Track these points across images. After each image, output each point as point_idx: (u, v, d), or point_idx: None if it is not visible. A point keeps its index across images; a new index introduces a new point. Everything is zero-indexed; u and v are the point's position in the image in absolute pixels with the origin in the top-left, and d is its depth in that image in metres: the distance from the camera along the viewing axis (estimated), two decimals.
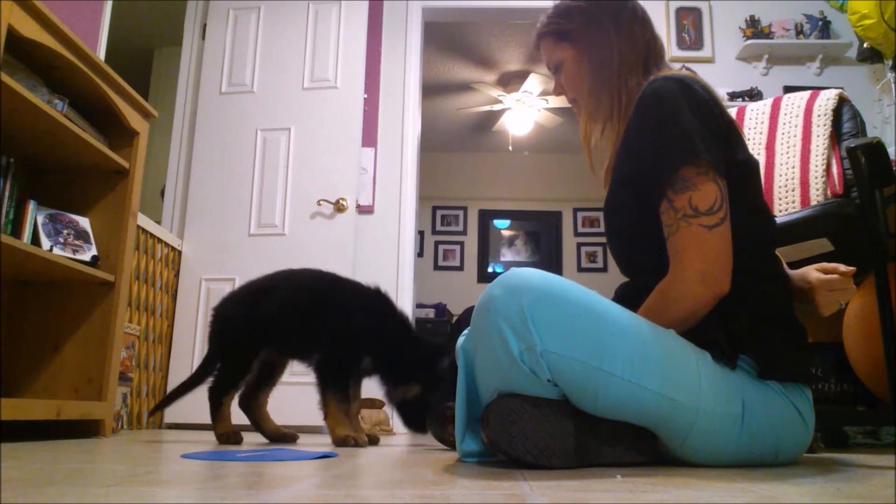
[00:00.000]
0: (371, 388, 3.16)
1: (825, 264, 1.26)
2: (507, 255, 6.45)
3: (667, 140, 1.12)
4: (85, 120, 2.02)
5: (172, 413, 2.94)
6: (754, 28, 3.62)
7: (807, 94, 2.06)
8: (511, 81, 5.29)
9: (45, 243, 1.87)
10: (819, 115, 1.97)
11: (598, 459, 1.04)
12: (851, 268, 1.22)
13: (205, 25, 3.50)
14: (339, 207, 3.10)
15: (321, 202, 3.12)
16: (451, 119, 5.92)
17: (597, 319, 1.02)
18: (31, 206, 1.87)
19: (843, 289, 1.23)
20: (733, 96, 3.40)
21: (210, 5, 3.51)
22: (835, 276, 1.22)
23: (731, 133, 1.17)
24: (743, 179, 1.17)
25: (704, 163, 1.08)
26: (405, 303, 3.40)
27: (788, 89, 3.31)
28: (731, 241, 1.09)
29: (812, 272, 1.25)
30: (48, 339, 2.00)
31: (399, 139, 3.60)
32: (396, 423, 3.22)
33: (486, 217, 6.50)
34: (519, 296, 1.02)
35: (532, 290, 1.02)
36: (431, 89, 5.34)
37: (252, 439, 1.93)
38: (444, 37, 4.69)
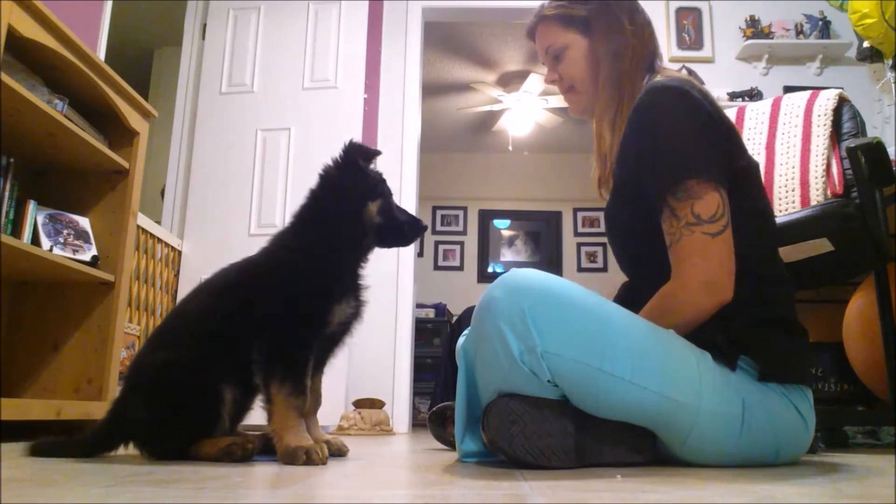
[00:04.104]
0: (373, 387, 3.19)
1: None
2: (507, 255, 6.45)
3: (667, 154, 1.11)
4: (85, 120, 2.02)
5: None
6: (754, 28, 3.62)
7: (807, 94, 2.06)
8: (511, 81, 5.28)
9: (45, 243, 1.87)
10: (819, 115, 1.97)
11: (598, 459, 1.04)
12: None
13: (205, 25, 3.50)
14: None
15: None
16: (451, 119, 5.92)
17: (597, 320, 1.02)
18: (31, 206, 1.87)
19: None
20: (733, 96, 3.39)
21: (210, 5, 3.51)
22: None
23: (730, 139, 1.17)
24: (745, 183, 1.17)
25: (705, 176, 1.08)
26: (405, 303, 3.39)
27: (788, 89, 3.31)
28: (733, 247, 1.09)
29: None
30: (48, 339, 2.00)
31: (399, 139, 3.60)
32: (396, 423, 3.22)
33: (486, 217, 6.49)
34: (520, 297, 1.02)
35: (533, 291, 1.02)
36: (431, 89, 5.34)
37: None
38: (444, 37, 4.68)
